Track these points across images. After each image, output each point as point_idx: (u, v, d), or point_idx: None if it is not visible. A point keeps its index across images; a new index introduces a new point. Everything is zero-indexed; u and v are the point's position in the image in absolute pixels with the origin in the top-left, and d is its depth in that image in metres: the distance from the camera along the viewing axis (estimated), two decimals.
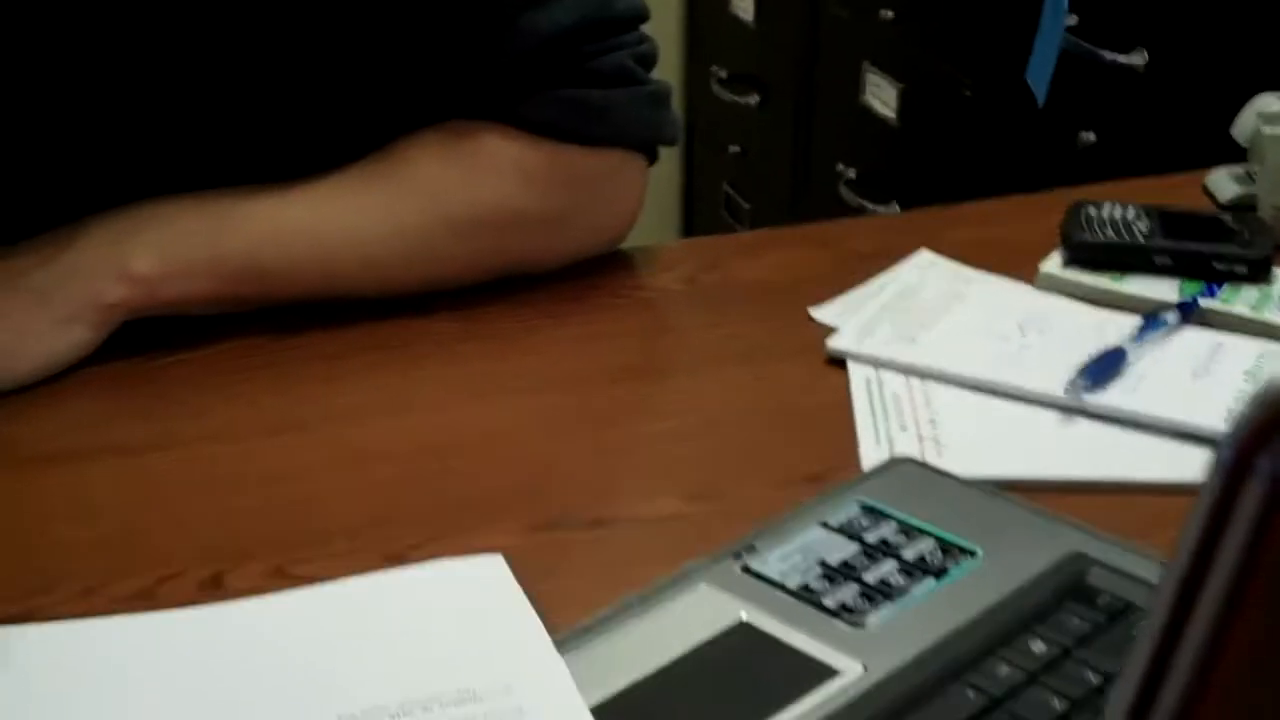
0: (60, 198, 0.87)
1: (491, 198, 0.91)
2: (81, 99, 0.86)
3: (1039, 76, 1.59)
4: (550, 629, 0.61)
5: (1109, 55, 1.66)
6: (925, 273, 0.96)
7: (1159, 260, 0.95)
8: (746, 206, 2.48)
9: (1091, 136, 1.68)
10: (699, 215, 2.62)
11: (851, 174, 2.10)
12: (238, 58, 0.87)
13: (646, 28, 0.95)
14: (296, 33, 0.87)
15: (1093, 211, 0.99)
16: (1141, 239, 0.96)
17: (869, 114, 2.05)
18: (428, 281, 0.91)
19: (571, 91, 0.91)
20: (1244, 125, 1.05)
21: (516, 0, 0.88)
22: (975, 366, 0.84)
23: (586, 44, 0.90)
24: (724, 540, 0.67)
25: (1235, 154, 1.08)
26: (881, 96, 2.02)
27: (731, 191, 2.52)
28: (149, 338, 0.86)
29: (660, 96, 0.95)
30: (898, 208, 1.99)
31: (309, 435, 0.79)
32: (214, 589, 0.66)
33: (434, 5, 0.87)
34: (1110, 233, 0.96)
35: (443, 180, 0.90)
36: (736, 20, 2.47)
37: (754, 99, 2.40)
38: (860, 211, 2.05)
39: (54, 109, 0.86)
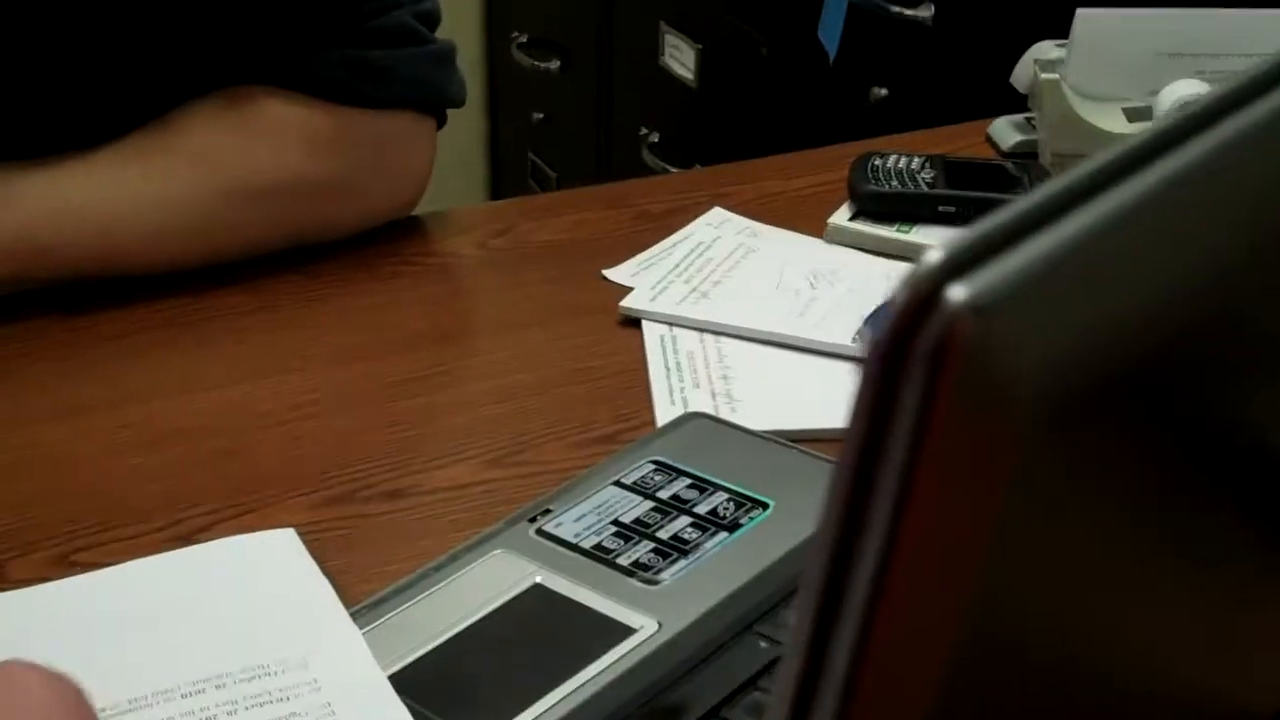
0: None
1: (273, 165, 0.89)
2: None
3: (830, 33, 1.60)
4: (346, 603, 0.61)
5: (897, 9, 1.68)
6: (717, 229, 0.97)
7: (944, 209, 0.97)
8: (552, 174, 2.47)
9: (883, 91, 1.71)
10: (505, 184, 2.61)
11: (654, 137, 2.11)
12: (10, 25, 0.84)
13: None
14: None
15: (878, 162, 1.00)
16: (926, 188, 0.98)
17: (668, 76, 2.06)
18: (212, 254, 0.89)
19: (352, 52, 0.89)
20: (1023, 73, 1.08)
21: None
22: (767, 321, 0.85)
23: (366, 3, 0.89)
24: (522, 505, 0.67)
25: (1017, 105, 1.10)
26: (680, 58, 2.03)
27: (537, 159, 2.51)
28: None
29: (444, 55, 0.94)
30: (699, 169, 1.99)
31: (96, 418, 0.77)
32: None
33: None
34: (895, 183, 0.98)
35: (221, 149, 0.88)
36: None
37: (555, 64, 2.40)
38: (662, 174, 2.05)
39: None
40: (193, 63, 0.88)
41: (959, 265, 0.26)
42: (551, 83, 2.41)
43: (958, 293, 0.25)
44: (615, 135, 2.26)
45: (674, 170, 2.04)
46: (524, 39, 2.45)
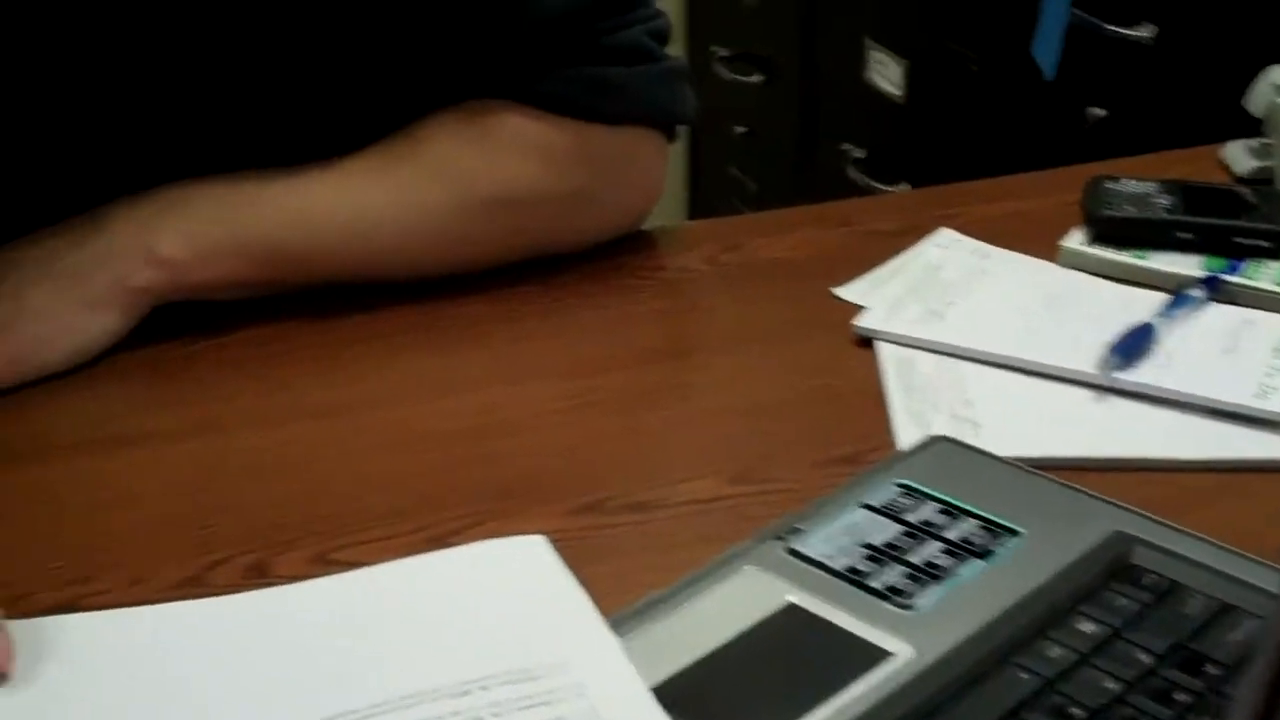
0: (85, 183, 0.86)
1: (513, 177, 0.91)
2: (104, 84, 0.86)
3: (1046, 51, 1.59)
4: (599, 612, 0.61)
5: (1116, 29, 1.66)
6: (947, 250, 0.96)
7: (1182, 235, 0.95)
8: (753, 188, 2.47)
9: (1100, 112, 1.68)
10: (705, 197, 2.62)
11: (859, 153, 2.10)
12: (257, 41, 0.86)
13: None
14: (315, 14, 0.86)
15: (1112, 186, 0.99)
16: (1164, 214, 0.96)
17: (874, 91, 2.05)
18: (452, 263, 0.91)
19: (588, 69, 0.91)
20: (1259, 97, 1.05)
21: None
22: (1005, 345, 0.84)
23: (601, 20, 0.90)
24: (764, 522, 0.67)
25: (1246, 128, 1.08)
26: (886, 73, 2.02)
27: (737, 173, 2.52)
28: (181, 323, 0.86)
29: (677, 73, 0.95)
30: (906, 186, 1.99)
31: (346, 420, 0.79)
32: (259, 575, 0.67)
33: None
34: (1132, 208, 0.97)
35: (464, 161, 0.90)
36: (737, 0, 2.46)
37: (758, 78, 2.40)
38: (867, 191, 2.05)
39: (76, 93, 0.86)
40: (434, 77, 0.90)
41: None
42: (754, 97, 2.41)
43: None
44: (818, 150, 2.26)
45: (878, 187, 2.04)
46: (725, 53, 2.46)
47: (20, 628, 0.59)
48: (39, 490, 0.74)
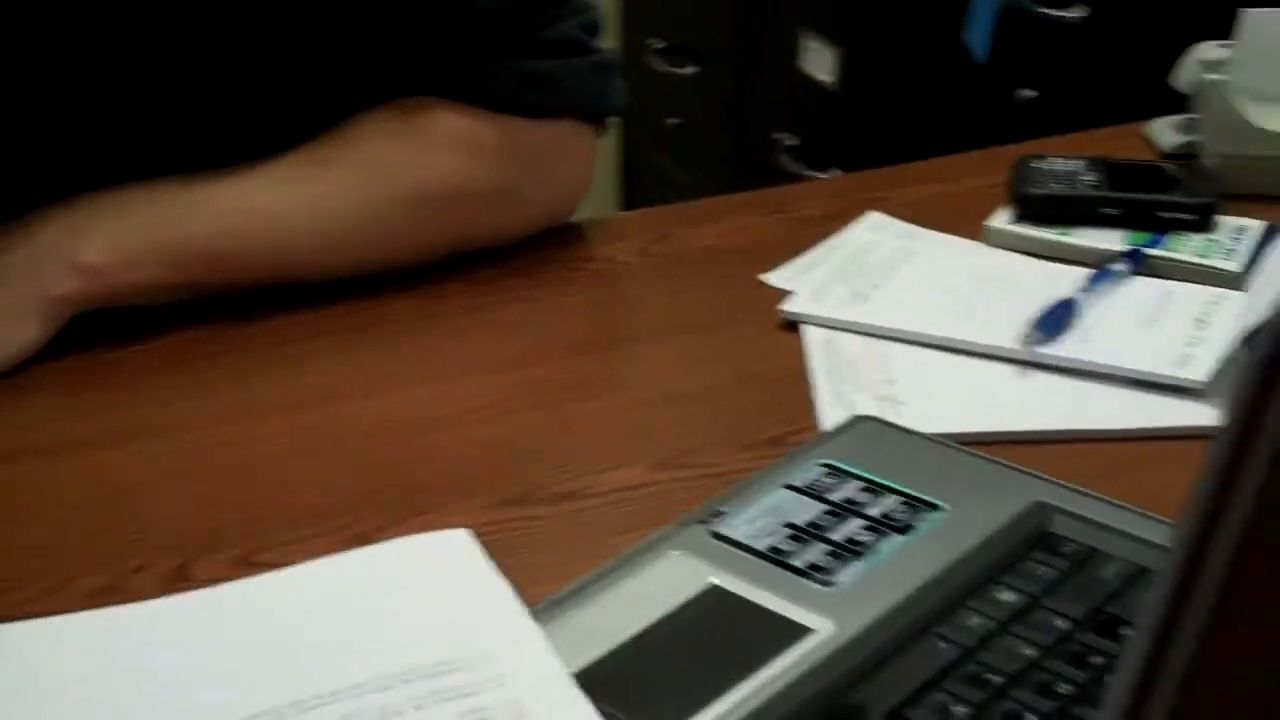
0: (11, 189, 0.86)
1: (441, 172, 0.90)
2: (26, 88, 0.85)
3: (979, 35, 1.59)
4: (523, 602, 0.61)
5: (1047, 11, 1.67)
6: (875, 233, 0.96)
7: (1106, 211, 0.96)
8: (686, 179, 2.48)
9: (1031, 93, 1.69)
10: (638, 189, 2.62)
11: (792, 141, 2.11)
12: (184, 41, 0.86)
13: None
14: (245, 13, 0.86)
15: (1038, 165, 1.00)
16: (1088, 191, 0.97)
17: (807, 79, 2.05)
18: (380, 261, 0.91)
19: (519, 63, 0.91)
20: (1186, 73, 1.06)
21: None
22: (929, 324, 0.84)
23: (533, 14, 0.90)
24: (691, 507, 0.67)
25: (1174, 106, 1.09)
26: (819, 61, 2.02)
27: (670, 164, 2.52)
28: (104, 329, 0.85)
29: (608, 65, 0.95)
30: (839, 173, 1.99)
31: (270, 422, 0.79)
32: (180, 580, 0.66)
33: None
34: (1057, 185, 0.97)
35: (391, 157, 0.90)
36: None
37: (691, 69, 2.40)
38: (799, 179, 2.05)
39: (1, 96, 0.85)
40: (363, 74, 0.90)
41: None
42: (687, 88, 2.41)
43: None
44: (751, 140, 2.26)
45: (811, 175, 2.04)
46: (660, 45, 2.46)
47: None
48: None
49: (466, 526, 0.67)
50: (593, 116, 0.96)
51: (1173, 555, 0.27)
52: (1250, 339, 0.80)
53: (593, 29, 0.94)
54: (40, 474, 0.75)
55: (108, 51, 0.85)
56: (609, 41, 0.97)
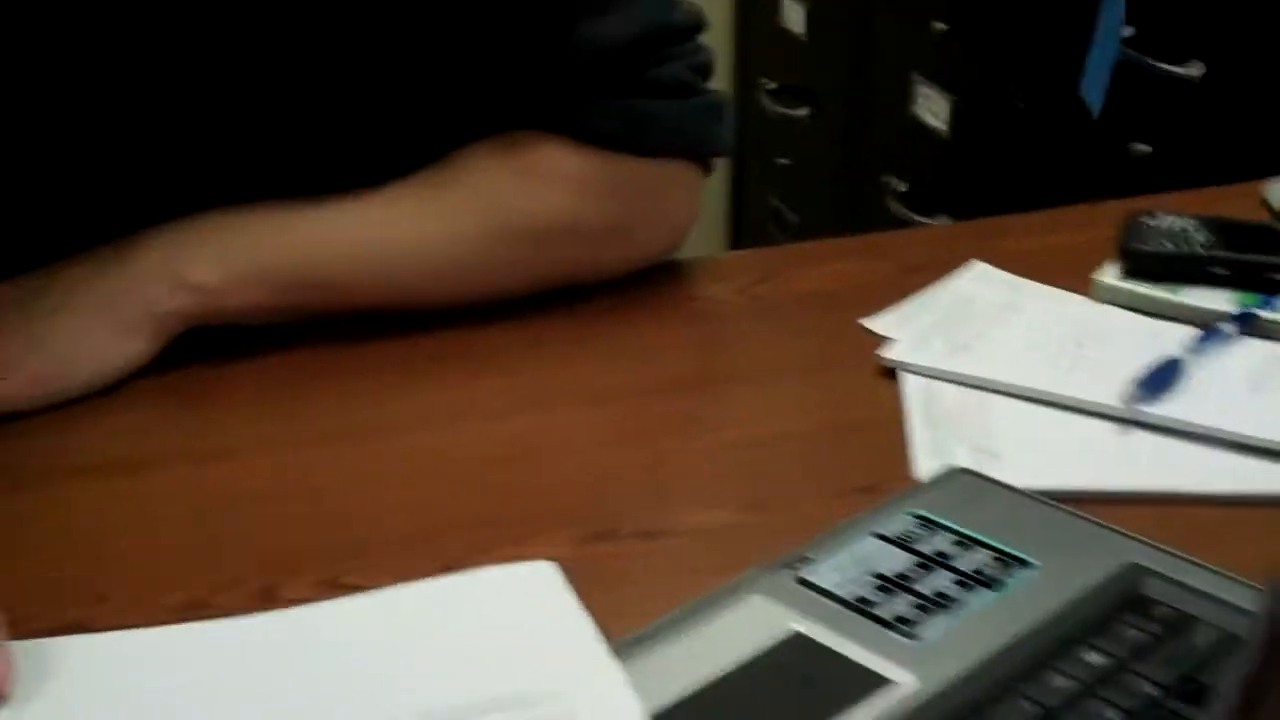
0: (115, 210, 0.87)
1: (548, 208, 0.91)
2: (137, 109, 0.87)
3: (1094, 88, 1.58)
4: (604, 638, 0.61)
5: (1164, 66, 1.65)
6: (978, 283, 0.95)
7: (1215, 271, 0.94)
8: (794, 219, 2.47)
9: (1145, 148, 1.67)
10: (746, 228, 2.62)
11: (901, 187, 2.10)
12: (300, 69, 0.87)
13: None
14: (358, 43, 0.87)
15: (1149, 222, 0.98)
16: (1199, 250, 0.95)
17: (920, 126, 2.04)
18: (485, 292, 0.91)
19: (629, 102, 0.91)
20: None
21: (576, 10, 0.88)
22: (1031, 378, 0.83)
23: (645, 54, 0.91)
24: (779, 551, 0.67)
25: None
26: (932, 108, 2.02)
27: (779, 204, 2.52)
28: (206, 348, 0.86)
29: (717, 107, 0.95)
30: (947, 220, 1.98)
31: (363, 445, 0.80)
32: (267, 599, 0.67)
33: (494, 16, 0.88)
34: (1167, 243, 0.96)
35: (500, 191, 0.90)
36: (786, 32, 2.46)
37: (804, 111, 2.40)
38: (907, 224, 2.04)
39: (108, 118, 0.87)
40: (474, 107, 0.91)
41: None
42: (799, 130, 2.41)
43: None
44: (861, 183, 2.25)
45: (920, 220, 2.03)
46: (773, 85, 2.46)
47: (23, 649, 0.59)
48: (50, 512, 0.74)
49: (552, 559, 0.67)
50: (700, 157, 0.96)
51: (1256, 627, 0.27)
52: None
53: (704, 70, 0.94)
54: (132, 488, 0.76)
55: (223, 75, 0.87)
56: (722, 82, 0.97)
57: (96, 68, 0.85)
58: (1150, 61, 1.66)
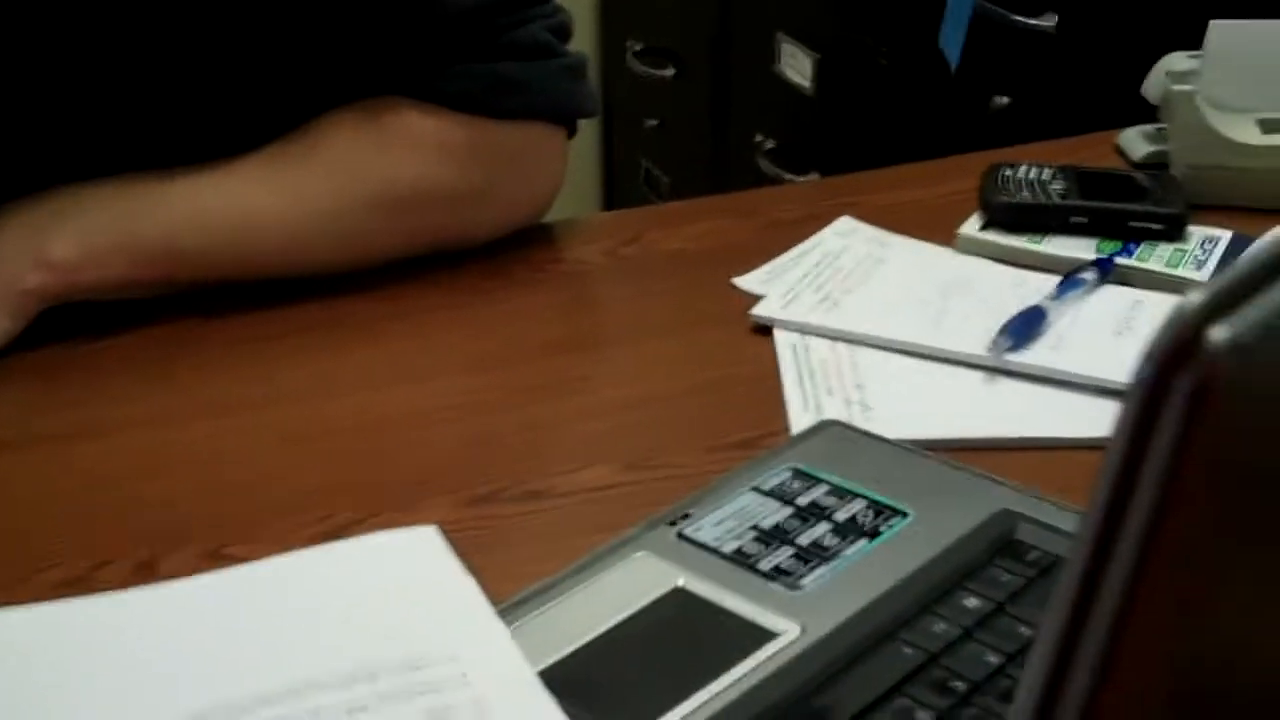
0: None
1: (409, 174, 0.90)
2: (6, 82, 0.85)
3: (952, 42, 1.60)
4: (489, 600, 0.61)
5: (1019, 19, 1.67)
6: (846, 238, 0.97)
7: (1075, 220, 0.96)
8: (666, 180, 2.48)
9: (1005, 100, 1.70)
10: (618, 190, 2.62)
11: (770, 144, 2.11)
12: (149, 38, 0.86)
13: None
14: (213, 9, 0.86)
15: (1009, 173, 1.00)
16: (1058, 199, 0.97)
17: (785, 84, 2.06)
18: (349, 261, 0.91)
19: (488, 65, 0.91)
20: (1155, 84, 1.07)
21: None
22: (899, 330, 0.85)
23: (501, 17, 0.90)
24: (659, 508, 0.68)
25: (1146, 114, 1.09)
26: (797, 66, 2.03)
27: (650, 165, 2.52)
28: (71, 324, 0.85)
29: (577, 68, 0.95)
30: (817, 177, 2.00)
31: (239, 418, 0.79)
32: (148, 574, 0.66)
33: None
34: (1027, 194, 0.98)
35: (360, 158, 0.90)
36: None
37: (669, 71, 2.40)
38: (779, 182, 2.05)
39: None
40: (330, 75, 0.90)
41: (1219, 307, 0.27)
42: (666, 90, 2.42)
43: (1219, 334, 0.26)
44: (730, 142, 2.27)
45: (790, 177, 2.05)
46: (639, 47, 2.46)
47: None
48: None
49: (434, 524, 0.67)
50: (562, 119, 0.96)
51: (1074, 561, 0.28)
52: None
53: (562, 32, 0.94)
54: (7, 466, 0.75)
55: (75, 46, 0.85)
56: (587, 44, 0.97)
57: None
58: (1006, 14, 1.68)
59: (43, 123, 0.87)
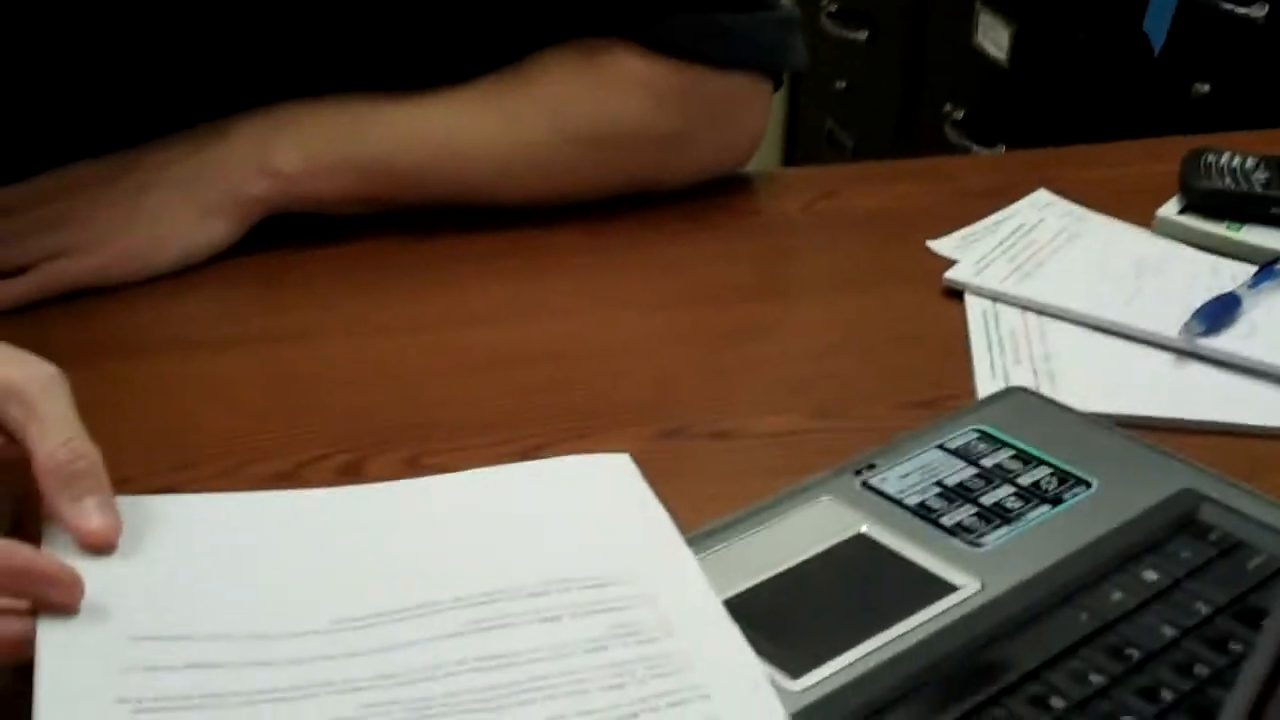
0: (205, 97, 0.89)
1: (619, 114, 0.93)
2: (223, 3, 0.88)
3: (1157, 25, 1.58)
4: (678, 528, 0.63)
5: (1228, 6, 1.65)
6: (1042, 211, 0.97)
7: (1276, 210, 0.96)
8: (849, 142, 2.48)
9: (1206, 88, 1.68)
10: (800, 147, 2.63)
11: (959, 114, 2.10)
12: None
13: None
14: None
15: (1212, 159, 0.99)
16: (1260, 188, 0.97)
17: (979, 55, 2.05)
18: (553, 193, 0.93)
19: (707, 14, 0.92)
20: None
21: None
22: (1091, 305, 0.85)
23: None
24: (841, 457, 0.69)
25: None
26: (993, 37, 2.02)
27: (834, 127, 2.52)
28: (287, 232, 0.89)
29: (790, 22, 0.96)
30: (1004, 150, 1.99)
31: (439, 335, 0.82)
32: (353, 474, 0.69)
33: None
34: (1229, 181, 0.97)
35: (572, 95, 0.92)
36: None
37: (863, 34, 2.40)
38: (963, 151, 2.05)
39: (195, 12, 0.88)
40: (551, 12, 0.92)
41: None
42: (857, 53, 2.41)
43: None
44: (918, 109, 2.26)
45: (977, 149, 2.04)
46: (833, 8, 2.46)
47: (125, 504, 0.62)
48: (146, 383, 0.77)
49: (624, 452, 0.69)
50: (771, 72, 0.97)
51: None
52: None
53: None
54: (219, 364, 0.79)
55: None
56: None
57: None
58: (1215, 1, 1.66)
59: (270, 38, 0.89)
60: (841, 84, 2.47)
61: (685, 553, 0.61)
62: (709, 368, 0.81)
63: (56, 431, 0.59)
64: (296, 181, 0.88)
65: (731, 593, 0.59)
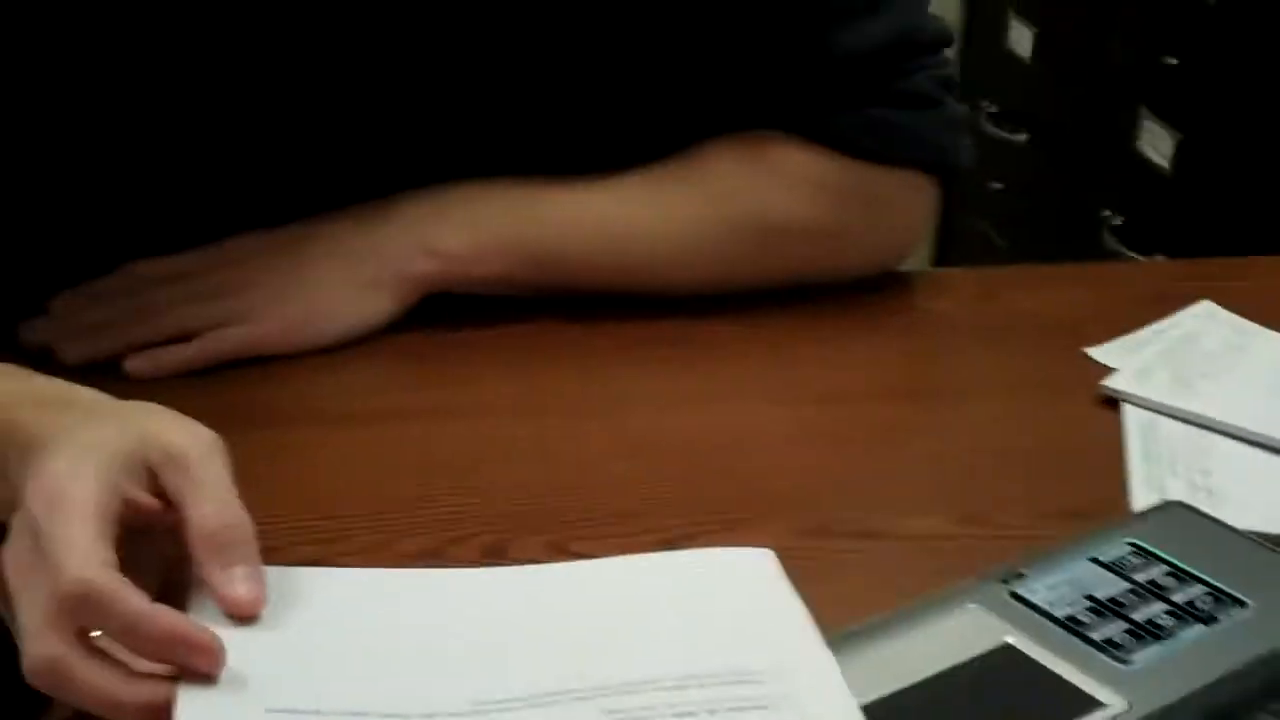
0: (373, 175, 0.91)
1: (785, 208, 0.93)
2: (406, 86, 0.90)
3: None
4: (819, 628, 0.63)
5: None
6: (1206, 322, 0.95)
7: None
8: (1003, 244, 2.46)
9: None
10: (953, 248, 2.61)
11: (1117, 220, 2.08)
12: (554, 55, 0.90)
13: None
14: (610, 36, 0.90)
15: None
16: None
17: (1141, 160, 2.02)
18: (712, 283, 0.93)
19: (875, 110, 0.92)
20: None
21: (832, 14, 0.90)
22: (1255, 421, 0.83)
23: (895, 63, 0.92)
24: (987, 564, 0.68)
25: None
26: (1157, 144, 1.99)
27: (988, 228, 2.51)
28: (449, 311, 0.90)
29: (958, 121, 0.96)
30: (1162, 258, 1.96)
31: (590, 421, 0.82)
32: (497, 555, 0.70)
33: (749, 14, 0.90)
34: None
35: (739, 187, 0.93)
36: (1012, 54, 2.45)
37: (1023, 136, 2.39)
38: (1121, 258, 2.02)
39: (383, 94, 0.90)
40: (721, 103, 0.93)
41: None
42: (1014, 155, 2.40)
43: None
44: (1074, 213, 2.23)
45: (1133, 255, 2.01)
46: (994, 109, 2.45)
47: (272, 574, 0.62)
48: (300, 452, 0.78)
49: (768, 547, 0.69)
50: (938, 170, 0.97)
51: None
52: None
53: (949, 84, 0.95)
54: (371, 438, 0.80)
55: (470, 51, 0.89)
56: None
57: (358, 36, 0.88)
58: None
59: (444, 120, 0.91)
60: (998, 185, 2.46)
61: (826, 654, 0.60)
62: (856, 465, 0.81)
63: (212, 498, 0.60)
64: (461, 262, 0.89)
65: (873, 698, 0.58)
